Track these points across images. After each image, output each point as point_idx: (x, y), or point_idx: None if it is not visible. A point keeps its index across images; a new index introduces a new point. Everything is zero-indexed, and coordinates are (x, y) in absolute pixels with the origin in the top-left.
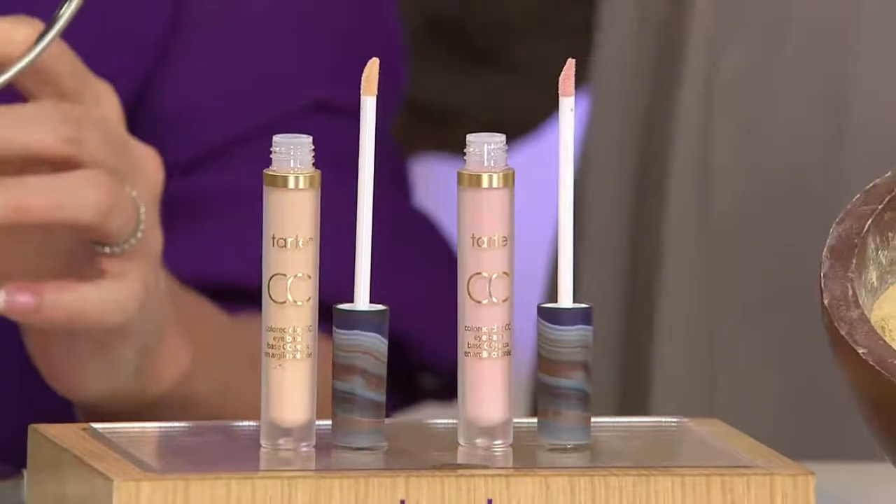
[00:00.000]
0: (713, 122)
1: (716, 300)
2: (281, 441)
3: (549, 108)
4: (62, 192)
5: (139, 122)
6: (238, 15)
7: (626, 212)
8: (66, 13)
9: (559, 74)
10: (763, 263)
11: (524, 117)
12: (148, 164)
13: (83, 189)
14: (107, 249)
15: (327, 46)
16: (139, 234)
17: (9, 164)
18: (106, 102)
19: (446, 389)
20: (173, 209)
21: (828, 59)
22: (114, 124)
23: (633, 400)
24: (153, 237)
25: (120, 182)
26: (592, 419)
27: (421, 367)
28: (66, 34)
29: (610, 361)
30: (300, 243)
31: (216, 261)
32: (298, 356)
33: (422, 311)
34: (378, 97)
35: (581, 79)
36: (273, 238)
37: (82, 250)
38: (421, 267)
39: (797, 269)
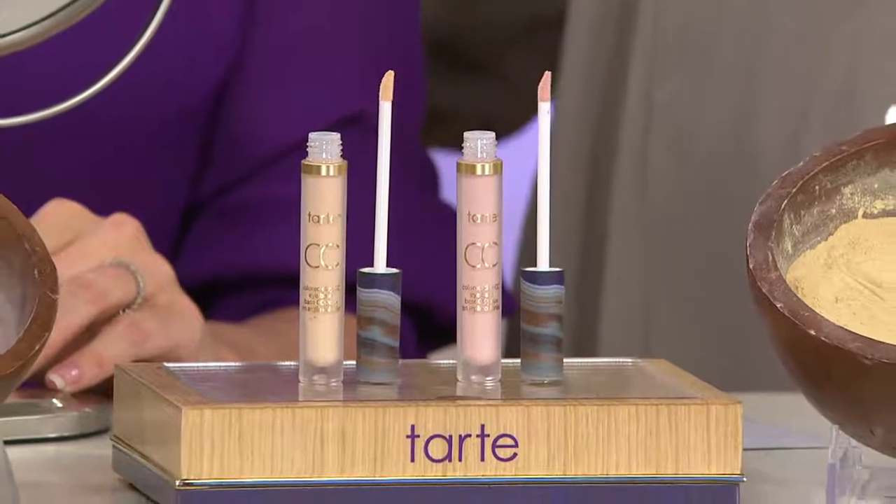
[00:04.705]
0: (651, 130)
1: (652, 275)
2: (315, 377)
3: (527, 112)
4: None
5: (217, 134)
6: (296, 35)
7: (580, 200)
8: (155, 18)
9: (537, 85)
10: (690, 244)
11: (508, 119)
12: (190, 318)
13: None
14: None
15: (367, 67)
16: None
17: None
18: (157, 275)
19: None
20: (244, 213)
21: (742, 82)
22: (163, 297)
23: (584, 344)
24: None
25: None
26: (564, 360)
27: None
28: (149, 45)
29: (566, 314)
30: (331, 219)
31: (282, 256)
32: (329, 310)
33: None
34: (406, 108)
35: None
36: (309, 215)
37: None
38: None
39: (718, 248)
